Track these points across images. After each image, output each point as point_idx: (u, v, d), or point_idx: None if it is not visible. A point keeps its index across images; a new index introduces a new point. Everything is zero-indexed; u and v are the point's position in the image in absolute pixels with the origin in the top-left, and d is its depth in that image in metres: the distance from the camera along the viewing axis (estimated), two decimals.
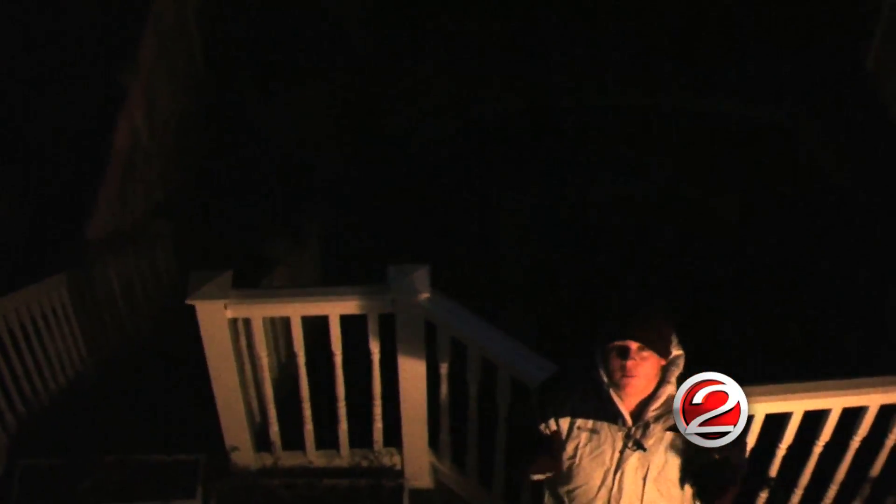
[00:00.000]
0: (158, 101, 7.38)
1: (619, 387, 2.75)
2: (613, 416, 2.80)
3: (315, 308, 4.06)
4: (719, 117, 8.53)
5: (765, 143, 8.32)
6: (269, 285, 5.99)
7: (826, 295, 6.69)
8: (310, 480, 4.56)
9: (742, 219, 7.63)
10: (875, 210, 7.25)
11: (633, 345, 2.69)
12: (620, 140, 8.41)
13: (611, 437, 2.82)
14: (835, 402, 3.54)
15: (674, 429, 2.75)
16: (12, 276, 5.51)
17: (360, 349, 4.18)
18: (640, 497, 2.87)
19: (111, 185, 6.27)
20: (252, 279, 4.70)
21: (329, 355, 4.19)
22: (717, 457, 2.70)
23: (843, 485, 3.95)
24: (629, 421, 2.79)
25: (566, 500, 3.01)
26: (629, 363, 2.70)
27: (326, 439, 4.57)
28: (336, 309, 4.02)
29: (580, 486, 2.94)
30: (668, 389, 2.77)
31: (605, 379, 2.77)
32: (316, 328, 4.24)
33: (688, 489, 2.90)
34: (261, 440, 4.60)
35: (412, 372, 4.15)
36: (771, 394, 3.46)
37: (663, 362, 2.77)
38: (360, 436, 4.55)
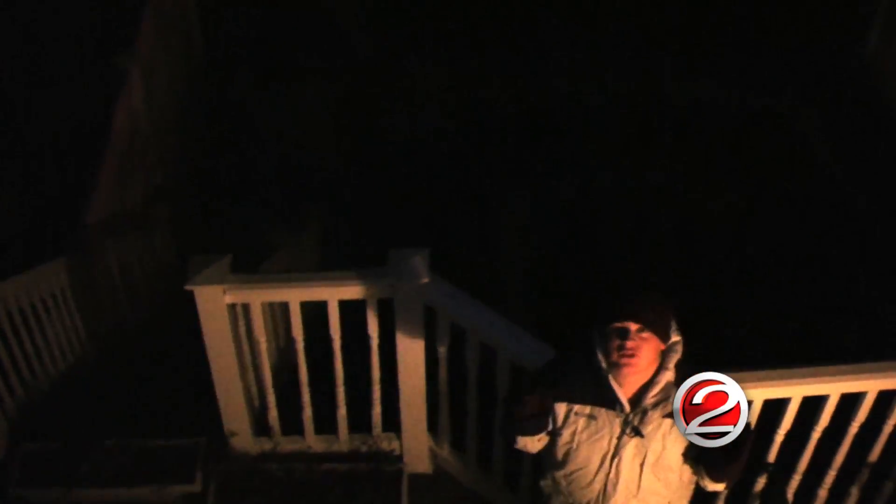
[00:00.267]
0: (157, 87, 7.37)
1: (618, 368, 2.74)
2: (611, 402, 2.79)
3: (314, 293, 4.06)
4: (718, 109, 8.51)
5: (763, 135, 8.30)
6: (269, 270, 5.99)
7: (825, 290, 6.68)
8: (309, 465, 4.57)
9: (741, 214, 7.62)
10: (871, 205, 7.26)
11: (633, 326, 2.69)
12: (619, 136, 8.40)
13: (609, 424, 2.82)
14: (833, 388, 3.53)
15: (672, 415, 2.74)
16: (14, 263, 5.50)
17: (359, 334, 4.17)
18: (637, 483, 2.87)
19: (110, 169, 6.25)
20: (251, 265, 4.71)
21: (328, 340, 4.19)
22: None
23: (842, 470, 3.95)
24: (627, 407, 2.78)
25: (563, 483, 3.01)
26: (629, 343, 2.69)
27: (325, 424, 4.58)
28: (335, 294, 4.01)
29: (577, 471, 2.94)
30: (667, 376, 2.76)
31: (604, 363, 2.77)
32: (315, 313, 4.24)
33: (685, 475, 2.90)
34: (260, 425, 4.61)
35: (411, 357, 4.15)
36: (769, 379, 3.46)
37: (662, 346, 2.76)
38: (359, 421, 4.55)
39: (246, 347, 4.33)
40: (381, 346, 4.22)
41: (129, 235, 6.42)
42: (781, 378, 3.49)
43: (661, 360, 2.77)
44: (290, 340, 4.28)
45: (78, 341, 5.65)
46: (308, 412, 4.51)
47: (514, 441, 2.95)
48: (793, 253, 7.13)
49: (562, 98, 8.84)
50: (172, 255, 6.78)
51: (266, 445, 4.63)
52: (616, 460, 2.85)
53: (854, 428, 3.73)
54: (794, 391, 3.52)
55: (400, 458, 4.59)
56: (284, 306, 4.28)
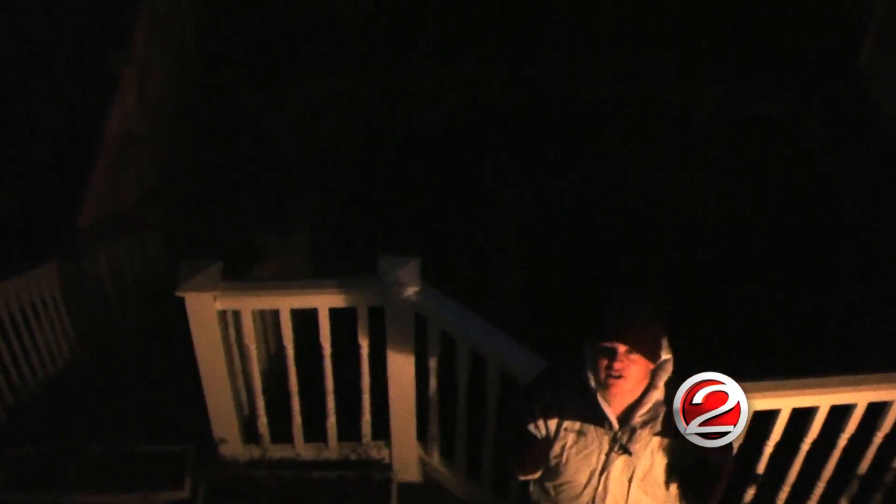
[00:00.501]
0: (151, 88, 7.35)
1: (605, 387, 2.73)
2: (600, 420, 2.78)
3: (304, 301, 4.05)
4: (718, 112, 8.53)
5: (761, 139, 8.32)
6: (260, 276, 5.98)
7: (824, 292, 6.69)
8: (298, 473, 4.55)
9: (740, 215, 7.63)
10: (865, 205, 7.28)
11: (622, 347, 2.66)
12: (619, 137, 8.41)
13: (597, 440, 2.81)
14: (823, 400, 3.53)
15: (661, 434, 2.74)
16: (7, 265, 5.49)
17: (349, 342, 4.16)
18: (625, 497, 2.87)
19: (102, 172, 6.23)
20: (243, 270, 4.70)
21: (318, 348, 4.17)
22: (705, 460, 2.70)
23: (831, 482, 3.95)
24: (616, 425, 2.77)
25: (552, 493, 3.01)
26: (616, 364, 2.66)
27: (315, 432, 4.57)
28: (326, 302, 4.00)
29: (566, 483, 2.94)
30: (656, 395, 2.74)
31: (593, 381, 2.75)
32: (305, 320, 4.23)
33: (673, 489, 2.90)
34: (249, 432, 4.59)
35: (401, 365, 4.14)
36: (759, 390, 3.45)
37: (652, 366, 2.74)
38: (349, 429, 4.54)
39: (236, 354, 4.32)
40: (371, 354, 4.21)
41: (120, 238, 6.40)
42: (772, 389, 3.47)
43: (650, 379, 2.75)
44: (281, 347, 4.27)
45: (68, 346, 5.64)
46: (298, 420, 4.49)
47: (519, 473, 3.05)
48: (791, 255, 7.14)
49: (561, 99, 8.85)
50: (164, 258, 6.76)
51: (255, 452, 4.61)
52: (604, 476, 2.84)
53: (843, 440, 3.73)
54: (784, 402, 3.52)
55: (389, 466, 4.58)
56: (275, 312, 4.27)
